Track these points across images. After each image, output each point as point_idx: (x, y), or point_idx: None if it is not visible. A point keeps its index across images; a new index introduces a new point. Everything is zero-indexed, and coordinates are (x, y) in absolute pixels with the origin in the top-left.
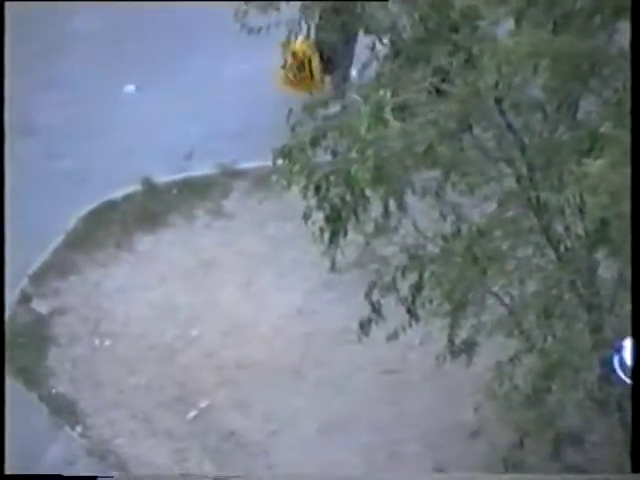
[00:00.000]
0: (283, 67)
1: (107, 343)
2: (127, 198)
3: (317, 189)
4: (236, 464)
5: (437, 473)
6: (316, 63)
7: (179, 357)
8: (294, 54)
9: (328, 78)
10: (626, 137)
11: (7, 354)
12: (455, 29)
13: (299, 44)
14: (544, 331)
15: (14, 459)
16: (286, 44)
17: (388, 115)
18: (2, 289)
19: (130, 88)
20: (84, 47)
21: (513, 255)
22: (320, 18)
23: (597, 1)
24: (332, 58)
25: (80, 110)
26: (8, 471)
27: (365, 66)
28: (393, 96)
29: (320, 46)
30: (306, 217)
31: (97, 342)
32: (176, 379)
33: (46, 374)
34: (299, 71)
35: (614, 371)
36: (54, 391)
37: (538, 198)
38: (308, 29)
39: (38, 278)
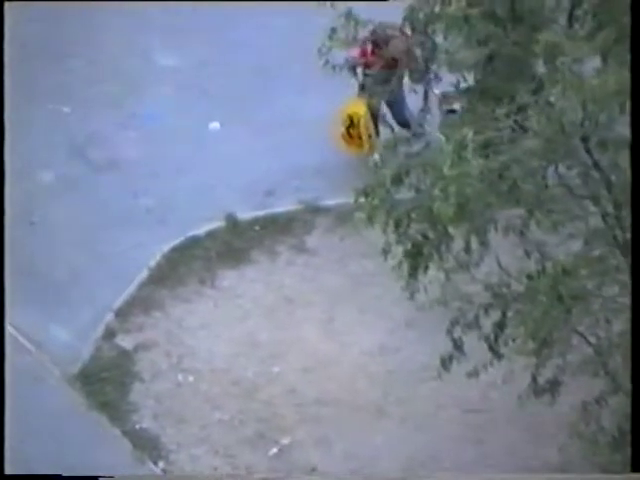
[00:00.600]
0: (342, 126)
1: (190, 379)
2: (210, 234)
3: (397, 224)
4: None
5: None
6: (364, 124)
7: (261, 393)
8: (348, 115)
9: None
10: None
11: (92, 388)
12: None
13: (351, 105)
14: (630, 371)
15: None
16: (342, 107)
17: (470, 154)
18: (2, 289)
19: (215, 125)
20: (166, 83)
21: (599, 294)
22: (365, 74)
23: None
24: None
25: (164, 147)
26: None
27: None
28: (476, 134)
29: (371, 106)
30: (385, 252)
31: (180, 378)
32: (258, 415)
33: (129, 409)
34: (351, 131)
35: None
36: (137, 426)
37: (624, 236)
38: (362, 86)
39: (123, 313)
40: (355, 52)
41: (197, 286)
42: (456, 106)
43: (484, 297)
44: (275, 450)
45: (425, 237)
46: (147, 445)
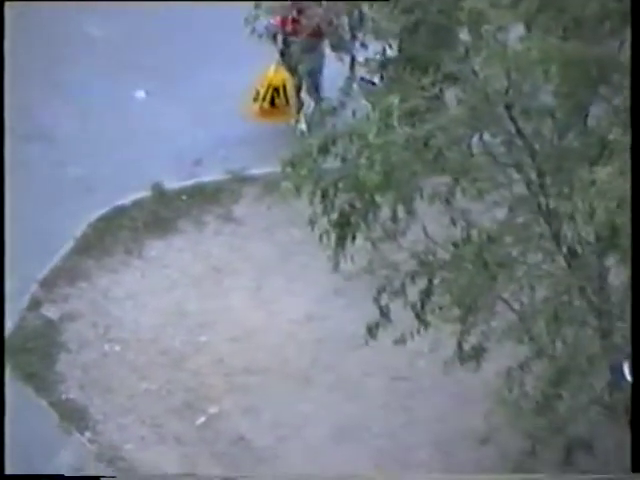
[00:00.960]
0: (255, 99)
1: (117, 349)
2: (137, 204)
3: (324, 195)
4: (245, 470)
5: (441, 474)
6: (290, 89)
7: (188, 363)
8: (269, 84)
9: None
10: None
11: (17, 359)
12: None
13: (272, 72)
14: (554, 337)
15: (24, 463)
16: (261, 75)
17: (395, 122)
18: (2, 290)
19: (140, 94)
20: (94, 52)
21: (523, 261)
22: (285, 43)
23: (606, 8)
24: (305, 79)
25: (91, 117)
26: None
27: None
28: (402, 102)
29: (292, 71)
30: (312, 223)
31: (107, 348)
32: (186, 385)
33: (56, 380)
34: (274, 99)
35: (624, 377)
36: (64, 397)
37: (548, 204)
38: (282, 54)
39: (48, 284)
40: (276, 20)
41: (123, 256)
42: (375, 78)
43: (410, 265)
44: (203, 419)
45: (352, 206)
46: (74, 416)
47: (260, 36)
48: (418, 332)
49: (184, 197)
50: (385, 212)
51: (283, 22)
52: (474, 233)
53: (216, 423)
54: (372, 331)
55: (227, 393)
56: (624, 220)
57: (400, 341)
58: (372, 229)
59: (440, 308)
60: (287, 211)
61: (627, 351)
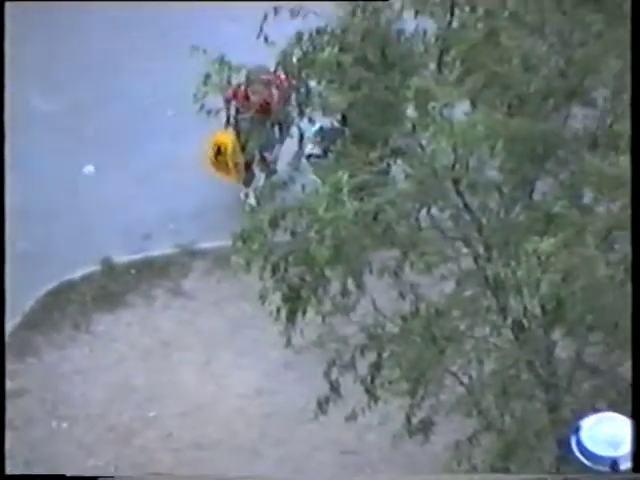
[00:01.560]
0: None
1: (64, 425)
2: (85, 278)
3: (274, 270)
4: None
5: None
6: (230, 153)
7: (137, 438)
8: (214, 141)
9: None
10: (580, 218)
11: None
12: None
13: (219, 136)
14: (502, 411)
15: None
16: (211, 136)
17: (345, 197)
18: (2, 291)
19: (89, 169)
20: (41, 126)
21: (471, 335)
22: (237, 111)
23: (550, 84)
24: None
25: (38, 190)
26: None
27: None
28: (351, 176)
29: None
30: (263, 298)
31: (54, 424)
32: (134, 460)
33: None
34: (218, 158)
35: (572, 451)
36: (9, 473)
37: (495, 277)
38: (228, 119)
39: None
40: (228, 93)
41: (71, 331)
42: (316, 150)
43: (360, 339)
44: None
45: (302, 280)
46: None
47: (209, 113)
48: (369, 407)
49: (133, 271)
50: (335, 286)
51: (234, 95)
52: (422, 307)
53: None
54: (322, 406)
55: (176, 468)
56: (569, 293)
57: (351, 417)
58: (322, 303)
59: (389, 382)
60: (237, 285)
61: (575, 425)
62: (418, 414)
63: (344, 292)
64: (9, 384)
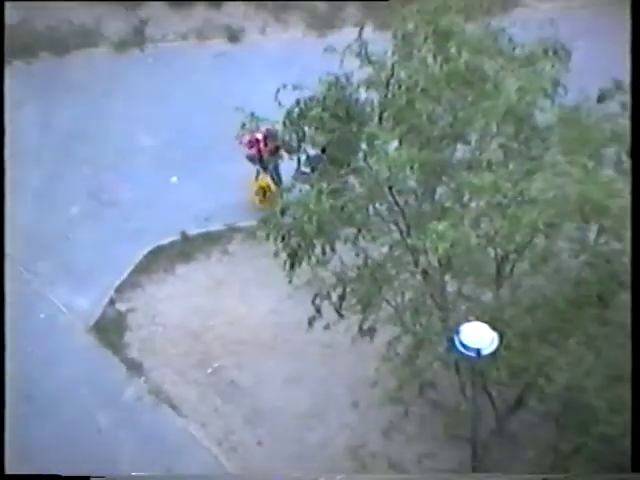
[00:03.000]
0: (256, 193)
1: (160, 329)
2: (171, 243)
3: (283, 238)
4: (234, 399)
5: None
6: (271, 192)
7: (202, 337)
8: (259, 186)
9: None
10: (460, 210)
11: (101, 335)
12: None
13: (261, 181)
14: (414, 322)
15: (100, 399)
16: (256, 180)
17: (324, 197)
18: (2, 293)
19: (174, 179)
20: (144, 158)
21: (397, 278)
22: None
23: (445, 131)
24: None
25: (146, 192)
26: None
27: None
28: (328, 185)
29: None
30: (275, 255)
31: (153, 328)
32: (200, 350)
33: (124, 346)
34: (264, 195)
35: (454, 345)
36: (129, 357)
37: (412, 245)
38: (258, 171)
39: (119, 290)
40: (252, 150)
41: (163, 274)
42: (307, 169)
43: (333, 280)
44: (210, 370)
45: (299, 245)
46: (135, 368)
47: (241, 143)
48: (338, 321)
49: (199, 240)
50: (318, 249)
51: (257, 149)
52: (369, 262)
53: (218, 372)
54: (311, 322)
55: (224, 355)
56: (454, 253)
57: (326, 327)
58: (310, 259)
59: (350, 306)
60: (261, 248)
61: (456, 329)
62: (366, 324)
63: (324, 252)
64: (127, 304)
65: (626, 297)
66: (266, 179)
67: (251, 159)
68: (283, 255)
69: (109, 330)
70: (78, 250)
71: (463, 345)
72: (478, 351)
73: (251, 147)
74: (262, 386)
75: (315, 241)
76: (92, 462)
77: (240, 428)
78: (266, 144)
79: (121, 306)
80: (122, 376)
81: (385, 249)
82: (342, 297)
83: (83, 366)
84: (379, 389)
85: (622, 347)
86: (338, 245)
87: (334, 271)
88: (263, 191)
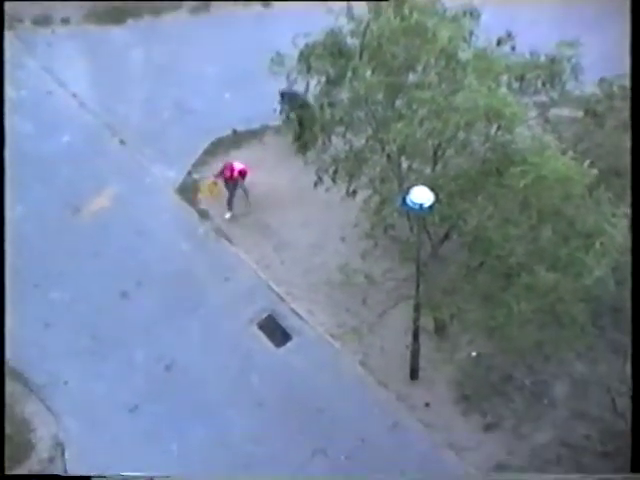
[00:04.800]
0: (208, 189)
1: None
2: (227, 136)
3: (297, 134)
4: (267, 235)
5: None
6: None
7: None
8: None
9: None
10: (411, 115)
11: (183, 195)
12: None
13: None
14: (382, 186)
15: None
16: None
17: (325, 107)
18: (2, 295)
19: (227, 95)
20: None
21: (371, 159)
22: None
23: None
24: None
25: (220, 101)
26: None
27: None
28: (327, 99)
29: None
30: (293, 143)
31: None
32: (244, 203)
33: (197, 202)
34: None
35: (405, 203)
36: (200, 207)
37: (381, 138)
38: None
39: (195, 166)
40: (226, 173)
41: (221, 156)
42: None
43: (329, 160)
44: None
45: (308, 138)
46: (204, 215)
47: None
48: (333, 186)
49: (244, 134)
50: (320, 141)
51: (222, 173)
52: (353, 148)
53: (256, 218)
54: (316, 185)
55: (260, 208)
56: (408, 142)
57: (326, 190)
58: (315, 147)
59: (341, 176)
60: (284, 139)
61: (407, 191)
62: (351, 188)
63: (324, 143)
64: (198, 175)
65: (515, 170)
66: (213, 180)
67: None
68: (298, 145)
69: (188, 191)
70: (170, 140)
71: (412, 202)
72: (421, 205)
73: (226, 172)
74: (284, 227)
75: (318, 135)
76: (179, 264)
77: (270, 253)
78: (240, 173)
79: (195, 176)
80: (195, 220)
81: (363, 141)
82: (335, 171)
83: (172, 213)
84: (359, 229)
85: (510, 201)
86: (333, 138)
87: (330, 154)
88: (212, 187)
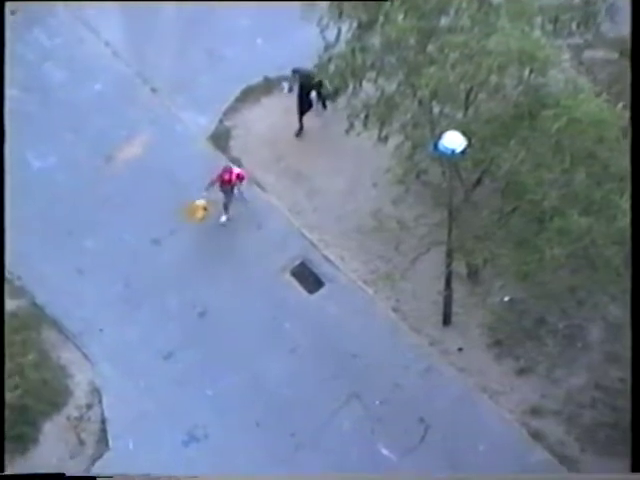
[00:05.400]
0: (194, 211)
1: (250, 138)
2: (257, 83)
3: (329, 79)
4: (298, 181)
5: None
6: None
7: (277, 143)
8: (196, 206)
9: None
10: (443, 60)
11: (215, 142)
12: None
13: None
14: (413, 132)
15: None
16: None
17: (357, 52)
18: (2, 297)
19: (259, 40)
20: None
21: (402, 104)
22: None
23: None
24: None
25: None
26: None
27: None
28: (360, 44)
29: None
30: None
31: (247, 138)
32: (276, 151)
33: (229, 149)
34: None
35: (437, 148)
36: (232, 155)
37: (413, 83)
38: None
39: (226, 113)
40: (225, 177)
41: (253, 103)
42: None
43: (360, 106)
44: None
45: (339, 84)
46: (235, 162)
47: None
48: (364, 131)
49: (275, 81)
50: (351, 86)
51: (229, 179)
52: (384, 94)
53: (287, 165)
54: (347, 131)
55: (291, 154)
56: (440, 87)
57: (357, 135)
58: (346, 92)
59: (372, 122)
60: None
61: (440, 136)
62: (383, 134)
63: (354, 88)
64: (230, 122)
65: (548, 113)
66: (203, 201)
67: (220, 184)
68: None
69: (220, 139)
70: (201, 88)
71: (444, 147)
72: (453, 150)
73: (224, 176)
74: (316, 174)
75: (349, 81)
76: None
77: (302, 200)
78: (237, 176)
79: (227, 123)
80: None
81: (394, 86)
82: (367, 117)
83: (203, 161)
84: (391, 175)
85: (543, 145)
86: (364, 84)
87: (361, 100)
88: (199, 210)
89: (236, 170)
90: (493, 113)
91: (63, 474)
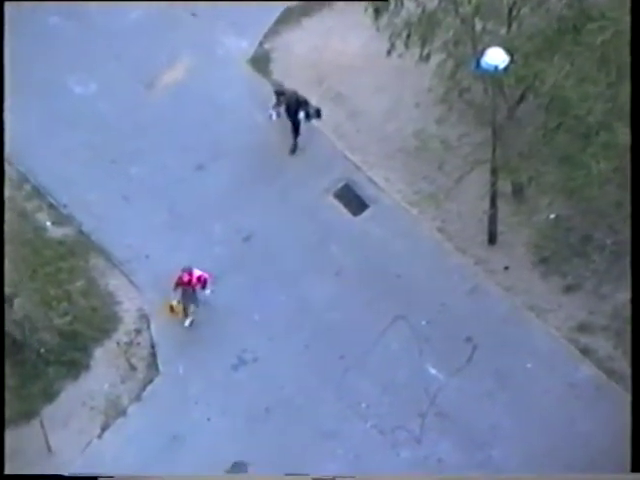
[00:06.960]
0: (170, 310)
1: (291, 60)
2: (297, 4)
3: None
4: (340, 104)
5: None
6: (177, 312)
7: (318, 65)
8: (171, 306)
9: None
10: None
11: (254, 66)
12: None
13: (173, 303)
14: (455, 49)
15: None
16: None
17: None
18: (2, 298)
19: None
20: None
21: (444, 21)
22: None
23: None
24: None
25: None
26: None
27: None
28: None
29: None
30: (366, 10)
31: (288, 60)
32: (317, 72)
33: (269, 72)
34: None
35: (479, 65)
36: (273, 77)
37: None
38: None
39: (266, 36)
40: (185, 278)
41: (293, 25)
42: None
43: (401, 25)
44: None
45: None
46: (280, 94)
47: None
48: (405, 51)
49: (316, 2)
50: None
51: (189, 280)
52: (426, 11)
53: (328, 86)
54: (389, 51)
55: (332, 75)
56: (482, 2)
57: (399, 55)
58: (388, 11)
59: (413, 41)
60: (356, 5)
61: (483, 53)
62: (424, 52)
63: (395, 5)
64: (270, 45)
65: (592, 26)
66: (175, 302)
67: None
68: (370, 10)
69: (260, 62)
70: (240, 11)
71: (486, 64)
72: (496, 67)
73: (184, 277)
74: (357, 95)
75: None
76: (254, 136)
77: (345, 122)
78: (198, 279)
79: (267, 46)
80: (269, 91)
81: (436, 2)
82: (408, 35)
83: (245, 85)
84: (433, 94)
85: (588, 59)
86: (405, 2)
87: (403, 18)
88: (172, 309)
89: (197, 273)
90: (536, 28)
91: (61, 475)
